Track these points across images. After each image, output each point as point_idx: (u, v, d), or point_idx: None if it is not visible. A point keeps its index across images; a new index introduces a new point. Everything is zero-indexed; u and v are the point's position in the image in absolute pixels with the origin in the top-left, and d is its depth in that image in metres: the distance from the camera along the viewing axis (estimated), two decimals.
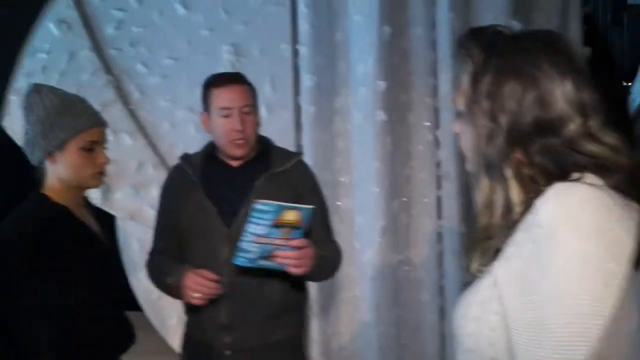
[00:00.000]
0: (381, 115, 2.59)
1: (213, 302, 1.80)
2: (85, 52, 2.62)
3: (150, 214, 2.61)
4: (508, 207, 0.95)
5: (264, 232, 1.64)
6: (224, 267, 1.77)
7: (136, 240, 2.66)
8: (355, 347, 2.70)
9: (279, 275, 1.79)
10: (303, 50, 2.67)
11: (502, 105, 0.93)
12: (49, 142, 1.55)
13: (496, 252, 0.98)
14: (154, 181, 2.63)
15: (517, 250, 0.90)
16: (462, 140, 1.03)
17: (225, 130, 1.86)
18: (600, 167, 0.92)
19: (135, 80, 2.68)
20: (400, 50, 2.65)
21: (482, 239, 0.99)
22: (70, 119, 1.55)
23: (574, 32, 2.70)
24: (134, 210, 2.63)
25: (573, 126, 0.92)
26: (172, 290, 1.87)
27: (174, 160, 2.65)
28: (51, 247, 1.50)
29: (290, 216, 1.63)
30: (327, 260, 1.88)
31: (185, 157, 2.01)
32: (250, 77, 2.69)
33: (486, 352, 0.93)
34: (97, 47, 2.65)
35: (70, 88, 2.52)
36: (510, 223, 0.94)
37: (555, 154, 0.92)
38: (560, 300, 0.84)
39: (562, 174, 0.91)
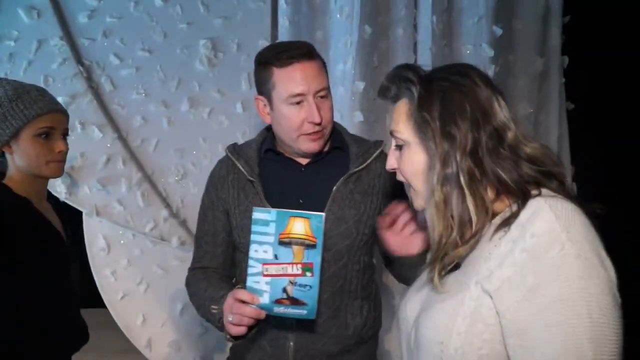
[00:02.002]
0: (359, 117, 2.55)
1: (278, 335, 1.50)
2: (55, 41, 2.53)
3: (118, 210, 2.54)
4: (466, 222, 1.01)
5: (271, 256, 1.29)
6: None
7: (102, 236, 2.58)
8: None
9: (357, 301, 1.54)
10: None
11: (455, 122, 1.01)
12: (3, 132, 1.53)
13: (457, 265, 1.04)
14: (123, 176, 2.57)
15: (506, 260, 0.95)
16: (407, 169, 1.09)
17: (297, 122, 1.46)
18: (544, 174, 1.01)
19: (107, 71, 2.59)
20: (380, 51, 2.62)
21: (440, 256, 1.03)
22: (23, 107, 1.53)
23: (554, 39, 2.70)
24: (100, 206, 2.55)
25: (511, 134, 1.02)
26: (218, 321, 1.43)
27: (144, 155, 2.61)
28: (5, 238, 1.45)
29: (298, 227, 1.28)
30: None
31: (235, 149, 1.59)
32: (227, 72, 2.67)
33: None
34: (68, 36, 2.56)
35: (39, 77, 2.48)
36: (471, 238, 1.00)
37: (505, 162, 1.00)
38: (566, 303, 0.88)
39: (517, 187, 1.00)
